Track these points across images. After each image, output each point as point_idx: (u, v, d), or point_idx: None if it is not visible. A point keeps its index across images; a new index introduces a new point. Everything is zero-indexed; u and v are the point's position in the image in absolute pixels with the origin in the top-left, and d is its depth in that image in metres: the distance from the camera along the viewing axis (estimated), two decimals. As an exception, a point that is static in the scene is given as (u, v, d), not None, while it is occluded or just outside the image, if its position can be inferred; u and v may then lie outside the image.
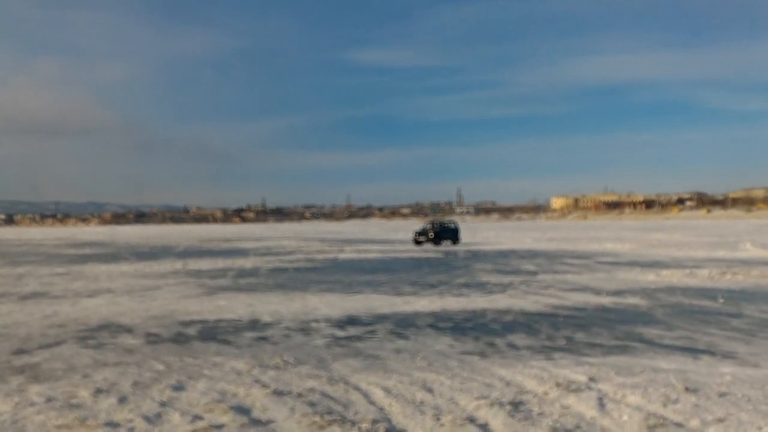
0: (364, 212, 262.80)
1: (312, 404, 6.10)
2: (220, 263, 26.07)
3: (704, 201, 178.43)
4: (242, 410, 5.96)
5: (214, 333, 10.11)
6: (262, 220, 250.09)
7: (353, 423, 5.56)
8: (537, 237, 52.11)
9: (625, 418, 5.58)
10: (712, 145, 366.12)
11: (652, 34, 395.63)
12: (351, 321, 11.12)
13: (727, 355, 8.03)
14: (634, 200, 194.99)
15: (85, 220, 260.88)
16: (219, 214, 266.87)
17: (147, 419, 5.74)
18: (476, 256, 29.23)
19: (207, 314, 12.04)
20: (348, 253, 32.23)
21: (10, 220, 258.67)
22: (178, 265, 25.18)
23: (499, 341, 9.16)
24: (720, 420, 5.45)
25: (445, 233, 39.76)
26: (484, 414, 5.76)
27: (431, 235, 39.08)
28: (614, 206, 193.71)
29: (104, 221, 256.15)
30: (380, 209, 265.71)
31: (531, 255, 28.95)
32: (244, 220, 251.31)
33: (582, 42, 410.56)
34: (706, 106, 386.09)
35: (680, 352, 8.24)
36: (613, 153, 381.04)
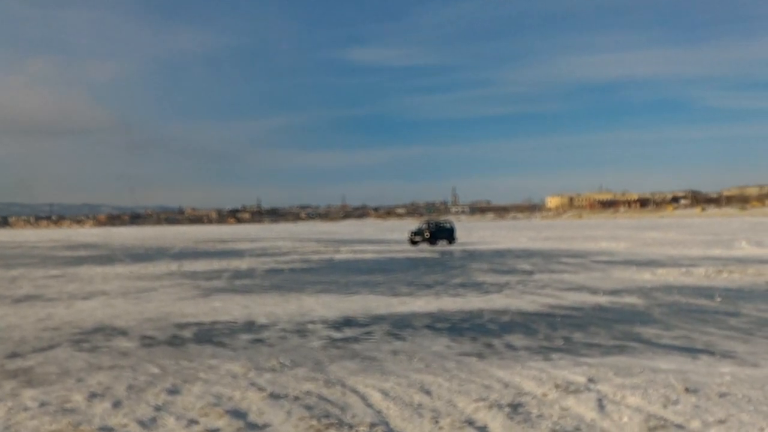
0: (360, 212, 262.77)
1: (309, 407, 6.04)
2: (216, 264, 25.98)
3: (699, 199, 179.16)
4: (238, 414, 5.89)
5: (209, 335, 10.03)
6: (258, 220, 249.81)
7: (351, 427, 5.50)
8: (532, 236, 52.14)
9: (625, 419, 5.53)
10: (706, 143, 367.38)
11: (647, 32, 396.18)
12: (347, 322, 11.06)
13: (726, 355, 7.99)
14: (629, 199, 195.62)
15: (79, 221, 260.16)
16: (214, 215, 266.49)
17: (142, 424, 5.67)
18: (472, 255, 29.20)
19: (202, 316, 11.97)
20: (344, 254, 32.16)
21: (4, 222, 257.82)
22: (174, 266, 25.07)
23: (496, 342, 9.11)
24: (721, 421, 5.41)
25: (441, 233, 39.73)
26: (483, 416, 5.70)
27: (427, 234, 39.03)
28: (609, 205, 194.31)
29: (99, 223, 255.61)
30: (375, 209, 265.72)
31: (527, 254, 28.94)
32: (239, 220, 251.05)
33: (576, 40, 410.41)
34: (701, 104, 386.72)
35: (679, 352, 8.21)
36: (607, 151, 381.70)
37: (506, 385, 6.69)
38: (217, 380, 7.15)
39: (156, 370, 7.69)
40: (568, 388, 6.47)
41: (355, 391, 6.59)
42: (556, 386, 6.54)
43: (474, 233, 63.92)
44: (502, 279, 17.90)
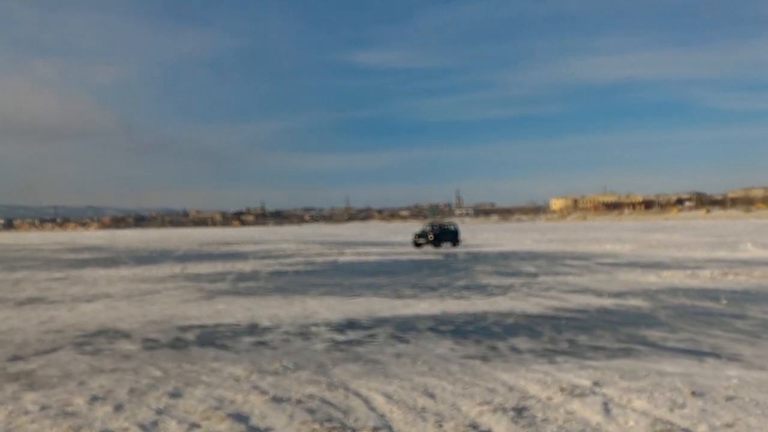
0: (364, 215, 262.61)
1: (311, 411, 5.99)
2: (220, 267, 25.95)
3: (703, 201, 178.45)
4: (240, 418, 5.84)
5: (212, 338, 9.99)
6: (262, 223, 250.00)
7: (353, 430, 5.45)
8: (537, 238, 52.01)
9: (632, 423, 5.47)
10: (710, 144, 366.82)
11: (650, 34, 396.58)
12: (351, 325, 11.00)
13: (733, 358, 7.91)
14: (634, 201, 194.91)
15: (84, 224, 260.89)
16: (218, 218, 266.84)
17: (143, 427, 5.62)
18: (476, 257, 29.12)
19: (206, 319, 11.93)
20: (348, 256, 32.11)
21: (9, 225, 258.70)
22: (177, 269, 25.06)
23: (501, 345, 9.05)
24: (728, 425, 5.34)
25: (445, 235, 39.64)
26: (487, 420, 5.64)
27: (431, 237, 38.94)
28: (613, 207, 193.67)
29: (104, 225, 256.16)
30: (379, 211, 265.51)
31: (531, 256, 28.84)
32: (243, 223, 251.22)
33: (580, 42, 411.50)
34: (705, 105, 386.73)
35: (685, 355, 8.13)
36: (611, 153, 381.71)
37: (511, 389, 6.63)
38: (220, 383, 7.11)
39: (158, 373, 7.65)
40: (574, 392, 6.40)
41: (358, 395, 6.53)
42: (561, 390, 6.48)
43: (478, 235, 63.81)
44: (507, 281, 17.83)
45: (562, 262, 24.56)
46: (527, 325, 10.61)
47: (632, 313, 11.84)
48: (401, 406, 6.11)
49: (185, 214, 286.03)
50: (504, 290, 15.68)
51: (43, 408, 6.25)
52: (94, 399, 6.53)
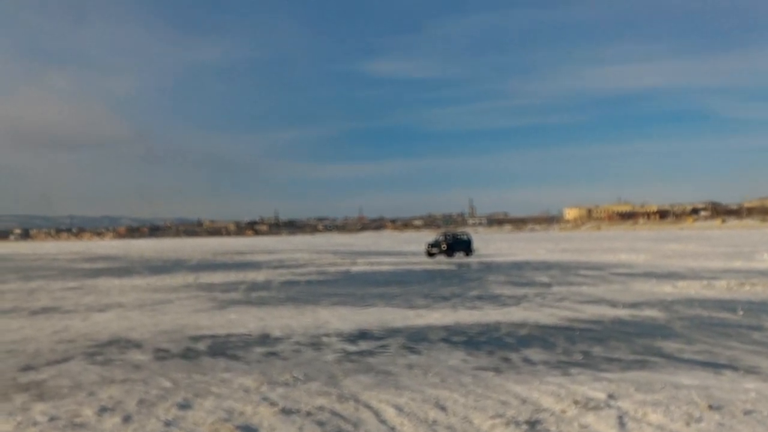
0: (377, 224, 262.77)
1: (321, 423, 5.92)
2: (232, 276, 25.99)
3: (719, 211, 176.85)
4: (249, 430, 5.78)
5: (223, 348, 9.95)
6: (275, 232, 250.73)
7: (363, 443, 5.37)
8: (550, 248, 51.72)
9: (647, 437, 5.35)
10: (726, 154, 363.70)
11: (665, 42, 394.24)
12: (362, 335, 10.93)
13: (751, 370, 7.76)
14: (648, 210, 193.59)
15: (100, 234, 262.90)
16: (232, 227, 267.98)
17: (151, 439, 5.58)
18: (489, 267, 28.97)
19: (217, 329, 11.90)
20: (360, 266, 32.06)
21: (26, 235, 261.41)
22: (190, 278, 25.11)
23: (514, 356, 8.94)
24: (747, 440, 5.21)
25: (458, 245, 39.52)
26: (500, 434, 5.55)
27: (444, 246, 38.82)
28: (628, 217, 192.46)
29: (119, 235, 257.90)
30: (393, 221, 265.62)
31: (545, 266, 28.65)
32: (257, 232, 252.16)
33: (593, 51, 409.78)
34: (720, 114, 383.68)
35: (701, 367, 7.99)
36: (626, 163, 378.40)
37: (524, 401, 6.53)
38: (230, 394, 7.06)
39: (168, 384, 7.62)
40: (588, 405, 6.29)
41: (368, 407, 6.46)
42: (575, 402, 6.37)
43: (491, 245, 63.56)
44: (520, 291, 17.69)
45: (576, 272, 24.37)
46: (541, 336, 10.49)
47: (647, 324, 11.68)
48: (412, 418, 6.02)
49: (199, 223, 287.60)
50: (517, 300, 15.56)
51: (52, 419, 6.23)
52: (103, 410, 6.50)
